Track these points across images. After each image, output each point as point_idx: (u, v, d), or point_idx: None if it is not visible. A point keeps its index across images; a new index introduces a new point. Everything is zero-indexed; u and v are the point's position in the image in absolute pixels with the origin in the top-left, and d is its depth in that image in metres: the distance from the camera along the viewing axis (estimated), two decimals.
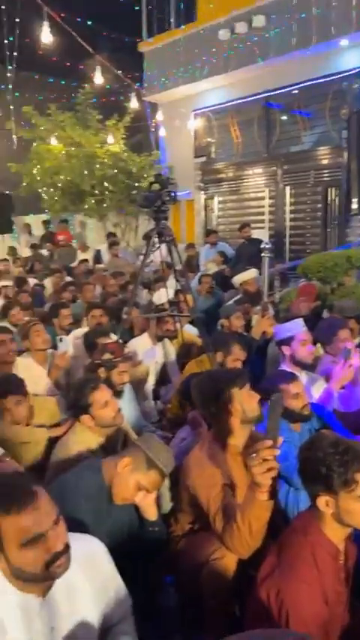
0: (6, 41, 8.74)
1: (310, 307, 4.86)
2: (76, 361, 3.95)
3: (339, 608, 1.58)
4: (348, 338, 3.42)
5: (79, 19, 8.72)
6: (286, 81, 9.20)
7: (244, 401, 2.13)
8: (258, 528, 1.73)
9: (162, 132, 11.26)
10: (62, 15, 7.22)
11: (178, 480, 2.21)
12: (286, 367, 3.18)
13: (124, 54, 11.40)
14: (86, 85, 10.83)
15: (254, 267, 5.74)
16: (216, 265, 7.95)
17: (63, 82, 12.55)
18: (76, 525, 1.76)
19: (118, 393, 2.92)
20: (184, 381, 3.26)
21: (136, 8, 10.85)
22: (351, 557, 1.70)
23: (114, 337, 3.76)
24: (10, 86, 9.50)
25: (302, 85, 9.08)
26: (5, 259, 9.70)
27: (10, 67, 9.03)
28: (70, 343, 4.17)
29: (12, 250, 11.13)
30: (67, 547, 1.34)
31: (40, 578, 1.32)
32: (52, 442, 2.62)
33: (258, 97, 9.76)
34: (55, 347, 4.03)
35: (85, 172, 10.49)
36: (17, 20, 8.31)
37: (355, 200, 8.42)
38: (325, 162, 9.18)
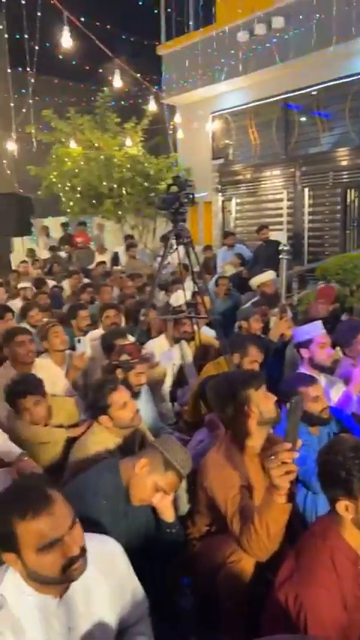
0: (26, 46, 8.84)
1: (328, 310, 4.82)
2: (93, 362, 3.97)
3: (358, 614, 1.56)
4: None
5: (98, 23, 8.79)
6: (305, 82, 9.14)
7: (261, 402, 2.12)
8: (276, 531, 1.72)
9: (180, 134, 11.28)
10: (82, 19, 7.29)
11: (195, 481, 2.21)
12: (304, 370, 3.15)
13: (143, 57, 11.46)
14: (105, 89, 10.91)
15: (272, 269, 5.71)
16: (233, 267, 7.93)
17: (82, 86, 12.68)
18: (93, 525, 1.77)
19: (135, 395, 2.93)
20: (201, 383, 3.25)
21: (155, 11, 10.91)
22: None
23: (131, 339, 3.77)
24: (31, 90, 9.61)
25: (321, 85, 9.03)
26: (24, 261, 9.82)
27: (30, 72, 9.13)
28: (87, 344, 4.19)
29: (31, 252, 11.26)
30: (83, 550, 1.34)
31: (57, 581, 1.32)
32: (70, 442, 2.63)
33: (277, 98, 9.72)
34: (73, 348, 4.06)
35: (104, 175, 10.56)
36: (37, 25, 8.40)
37: None
38: (344, 163, 9.09)
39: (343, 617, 1.48)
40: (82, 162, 10.91)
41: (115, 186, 10.69)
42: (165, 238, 3.94)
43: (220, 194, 11.27)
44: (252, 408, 2.08)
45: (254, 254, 8.12)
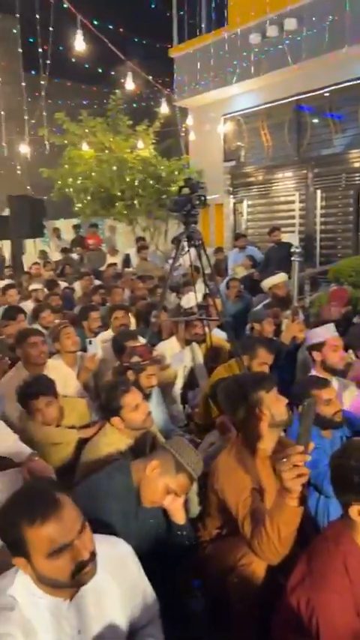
0: (40, 50, 8.93)
1: (341, 312, 4.79)
2: (105, 364, 3.98)
3: None
4: None
5: (111, 27, 8.85)
6: (318, 84, 9.11)
7: (272, 404, 2.11)
8: (287, 534, 1.71)
9: (192, 136, 11.30)
10: (95, 23, 7.33)
11: (206, 484, 2.20)
12: (316, 373, 3.14)
13: (155, 60, 11.50)
14: (117, 91, 10.97)
15: (284, 272, 5.68)
16: (244, 269, 7.92)
17: (95, 89, 12.75)
18: (104, 526, 1.77)
19: (145, 396, 2.92)
20: (212, 385, 3.25)
21: (167, 14, 10.95)
22: None
23: (142, 340, 3.78)
24: (43, 93, 9.69)
25: (334, 87, 8.99)
26: (36, 263, 9.88)
27: (43, 75, 9.22)
28: (98, 346, 4.21)
29: (43, 254, 11.33)
30: (93, 555, 1.33)
31: (68, 585, 1.31)
32: (81, 443, 2.64)
33: (289, 100, 9.69)
34: (84, 349, 4.07)
35: (115, 177, 10.61)
36: (51, 29, 8.47)
37: None
38: (356, 165, 9.03)
39: (356, 623, 1.46)
40: (94, 165, 10.97)
41: (126, 188, 10.73)
42: (176, 240, 3.94)
43: (231, 196, 11.26)
44: (263, 411, 2.07)
45: (266, 256, 8.10)
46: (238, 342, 3.66)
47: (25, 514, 1.28)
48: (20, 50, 13.92)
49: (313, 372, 3.18)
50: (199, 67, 10.38)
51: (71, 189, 11.43)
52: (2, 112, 10.81)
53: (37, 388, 2.70)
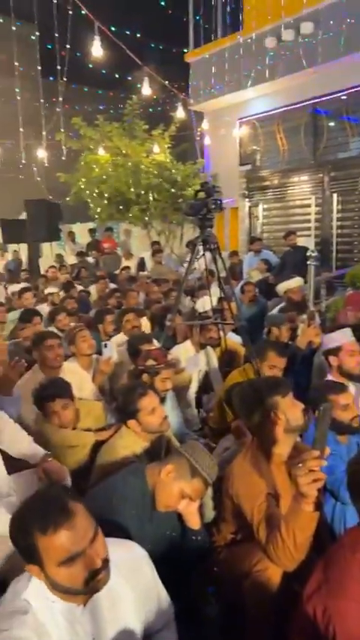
0: (57, 56, 9.05)
1: (357, 317, 4.73)
2: (120, 367, 3.99)
3: None
4: None
5: (127, 32, 8.92)
6: (334, 87, 9.06)
7: (288, 409, 2.09)
8: (302, 540, 1.69)
9: (207, 140, 11.32)
10: (112, 29, 7.41)
11: (220, 488, 2.19)
12: (332, 378, 3.11)
13: (171, 65, 11.57)
14: (134, 96, 11.04)
15: (300, 276, 5.65)
16: (259, 273, 7.89)
17: (111, 94, 12.85)
18: (119, 530, 1.77)
19: (160, 400, 2.92)
20: (227, 389, 3.24)
21: (184, 19, 11.00)
22: None
23: (156, 344, 3.78)
24: (61, 99, 9.81)
25: (350, 90, 8.93)
26: (53, 266, 9.98)
27: (61, 81, 9.34)
28: (113, 349, 4.22)
29: (59, 258, 11.43)
30: (106, 562, 1.32)
31: (81, 592, 1.31)
32: (96, 446, 2.64)
33: (305, 103, 9.66)
34: (99, 352, 4.09)
35: (131, 181, 10.67)
36: (68, 35, 8.58)
37: None
38: None
39: None
40: (110, 169, 11.05)
41: (142, 192, 10.79)
42: (192, 244, 3.94)
43: (247, 200, 11.25)
44: (279, 415, 2.06)
45: (281, 260, 8.06)
46: (253, 346, 3.65)
47: (38, 522, 1.27)
48: (38, 56, 14.11)
49: (330, 377, 3.16)
50: (214, 71, 10.41)
51: (87, 194, 11.52)
52: (20, 118, 10.96)
53: (54, 391, 2.72)
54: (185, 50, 11.43)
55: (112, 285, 7.74)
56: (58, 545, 1.26)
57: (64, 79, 9.27)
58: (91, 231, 12.67)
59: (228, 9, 10.70)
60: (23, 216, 11.57)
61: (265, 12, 9.14)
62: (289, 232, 8.16)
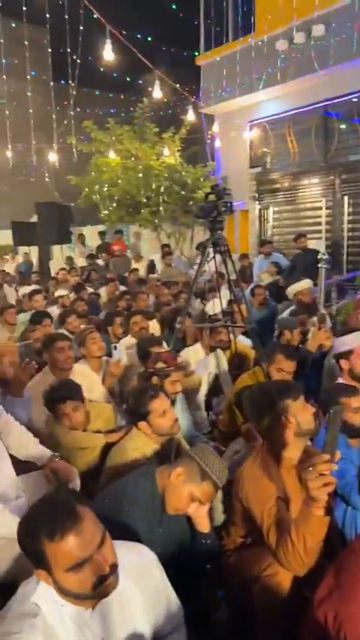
0: (69, 59, 9.11)
1: None
2: (130, 370, 4.00)
3: None
4: None
5: (139, 36, 8.97)
6: (346, 89, 9.04)
7: (299, 413, 2.08)
8: (313, 545, 1.68)
9: (217, 143, 11.33)
10: (123, 32, 7.44)
11: (230, 492, 2.18)
12: (343, 382, 3.09)
13: (182, 68, 11.61)
14: (144, 99, 11.09)
15: (310, 278, 5.62)
16: (270, 276, 7.86)
17: (122, 97, 12.91)
18: (128, 532, 1.77)
19: (170, 403, 2.92)
20: (237, 392, 3.23)
21: (195, 23, 11.04)
22: None
23: (165, 347, 3.78)
24: (72, 102, 9.88)
25: None
26: (63, 268, 10.03)
27: (72, 84, 9.40)
28: (123, 351, 4.23)
29: (69, 260, 11.49)
30: (114, 567, 1.32)
31: (89, 597, 1.31)
32: (106, 448, 2.65)
33: (316, 106, 9.64)
34: (109, 354, 4.10)
35: (141, 184, 10.71)
36: (80, 39, 8.63)
37: None
38: None
39: None
40: (120, 172, 11.10)
41: (152, 195, 10.81)
42: (202, 246, 3.94)
43: (257, 202, 11.24)
44: (289, 419, 2.05)
45: (292, 263, 8.03)
46: (263, 349, 3.64)
47: (45, 528, 1.27)
48: (50, 60, 14.22)
49: (340, 381, 3.14)
50: (225, 74, 10.42)
51: (98, 196, 11.57)
52: (32, 121, 11.04)
53: (65, 393, 2.72)
54: (196, 53, 11.47)
55: (122, 288, 7.76)
56: (66, 551, 1.25)
57: (76, 83, 9.32)
58: (101, 233, 12.72)
59: (239, 12, 10.71)
60: (34, 218, 11.66)
61: (277, 14, 9.13)
62: (299, 235, 8.12)
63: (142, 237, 12.77)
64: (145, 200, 10.87)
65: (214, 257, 3.98)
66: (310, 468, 1.53)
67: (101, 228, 12.96)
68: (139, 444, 2.43)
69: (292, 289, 5.70)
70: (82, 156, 11.53)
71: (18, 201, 16.73)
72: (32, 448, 2.42)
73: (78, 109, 10.87)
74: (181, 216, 11.24)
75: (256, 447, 2.46)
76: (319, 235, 9.24)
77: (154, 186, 10.74)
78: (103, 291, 7.83)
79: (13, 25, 11.77)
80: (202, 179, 11.06)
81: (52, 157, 11.51)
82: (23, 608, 1.31)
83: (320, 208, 9.90)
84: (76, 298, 6.78)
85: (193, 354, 4.28)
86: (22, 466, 2.38)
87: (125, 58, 7.75)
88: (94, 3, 7.13)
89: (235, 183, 10.84)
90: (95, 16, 6.89)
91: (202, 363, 4.16)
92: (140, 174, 10.73)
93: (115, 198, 11.26)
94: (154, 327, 5.13)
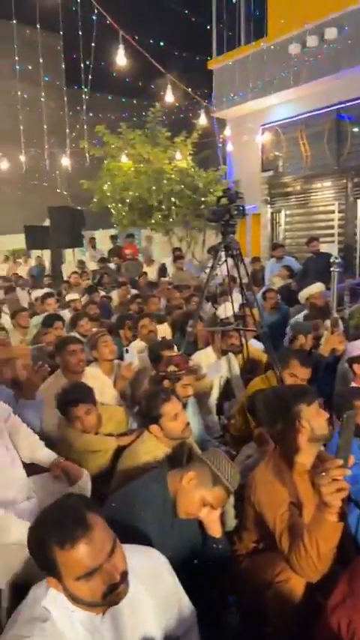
0: (82, 65, 9.19)
1: None
2: (140, 373, 4.00)
3: None
4: None
5: (151, 41, 9.02)
6: (359, 92, 9.00)
7: (313, 418, 2.06)
8: (326, 551, 1.66)
9: (229, 147, 11.34)
10: (136, 37, 7.48)
11: (242, 497, 2.17)
12: (357, 386, 3.06)
13: (194, 72, 11.65)
14: (156, 104, 11.14)
15: (322, 282, 5.59)
16: (281, 280, 7.83)
17: (134, 102, 12.99)
18: (139, 535, 1.77)
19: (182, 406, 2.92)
20: (249, 396, 3.21)
21: (207, 27, 11.08)
22: None
23: (177, 350, 3.78)
24: (85, 107, 9.96)
25: None
26: (75, 272, 10.09)
27: (85, 90, 9.48)
28: (134, 354, 4.24)
29: (81, 264, 11.56)
30: (124, 575, 1.31)
31: (99, 605, 1.30)
32: (118, 451, 2.65)
33: (329, 109, 9.61)
34: (121, 357, 4.11)
35: (153, 188, 10.74)
36: (93, 45, 8.71)
37: None
38: None
39: None
40: (132, 176, 11.14)
41: (163, 199, 10.84)
42: (214, 250, 3.94)
43: (269, 206, 11.22)
44: (303, 424, 2.03)
45: (304, 266, 7.99)
46: (276, 353, 3.62)
47: (56, 536, 1.26)
48: (63, 66, 14.36)
49: (354, 385, 3.11)
50: (237, 78, 10.45)
51: (110, 200, 11.63)
52: (45, 126, 11.15)
53: (77, 395, 2.73)
54: (208, 58, 11.50)
55: (134, 291, 7.79)
56: (77, 559, 1.25)
57: (88, 88, 9.40)
58: (113, 237, 12.78)
59: (252, 16, 10.74)
60: (47, 222, 11.76)
61: (290, 18, 9.14)
62: (311, 238, 8.08)
63: (153, 241, 12.81)
64: (156, 204, 10.90)
65: (225, 260, 3.98)
66: (323, 474, 1.52)
67: (113, 232, 13.02)
68: (151, 448, 2.42)
69: (304, 293, 5.68)
70: (95, 160, 11.60)
71: (31, 205, 16.89)
72: (38, 451, 2.43)
73: (90, 114, 10.95)
74: (192, 220, 11.25)
75: (268, 452, 2.44)
76: (332, 239, 9.18)
77: (165, 190, 10.77)
78: (114, 295, 7.86)
79: (28, 31, 11.93)
80: (213, 183, 11.06)
81: (65, 161, 11.61)
82: (33, 612, 1.31)
83: (333, 212, 9.82)
84: (88, 301, 6.82)
85: (205, 357, 4.27)
86: (31, 467, 2.39)
87: (137, 63, 7.79)
88: (107, 9, 7.18)
89: (247, 186, 10.83)
90: (108, 21, 6.94)
91: (214, 366, 4.15)
92: (152, 179, 10.77)
93: (127, 202, 11.31)
94: (165, 330, 5.14)
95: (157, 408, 2.44)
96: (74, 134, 11.55)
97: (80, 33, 8.83)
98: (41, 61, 11.24)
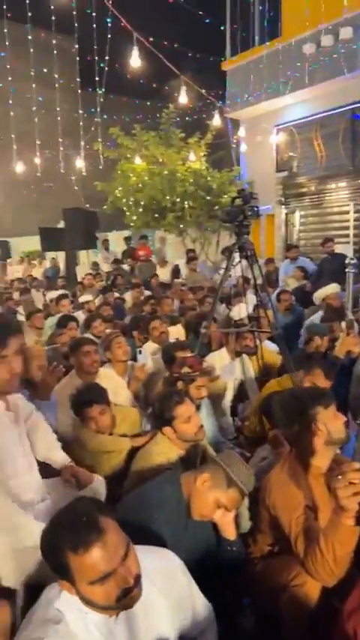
0: (96, 67, 9.25)
1: None
2: (154, 375, 3.99)
3: None
4: None
5: (165, 43, 9.03)
6: None
7: (330, 421, 2.04)
8: (342, 555, 1.64)
9: (243, 148, 11.30)
10: (150, 39, 7.50)
11: (257, 499, 2.16)
12: None
13: (208, 73, 11.65)
14: (170, 105, 11.15)
15: (337, 283, 5.54)
16: (296, 281, 7.78)
17: (148, 103, 13.02)
18: (153, 537, 1.76)
19: (195, 408, 2.91)
20: (265, 398, 3.19)
21: (221, 28, 11.06)
22: None
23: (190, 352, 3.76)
24: (99, 109, 10.02)
25: None
26: (89, 273, 10.14)
27: (99, 92, 9.53)
28: (147, 355, 4.24)
29: (95, 265, 11.61)
30: (138, 578, 1.30)
31: (113, 608, 1.30)
32: (131, 452, 2.65)
33: (344, 109, 9.54)
34: (134, 359, 4.11)
35: (167, 189, 10.75)
36: (107, 47, 8.75)
37: None
38: None
39: None
40: (146, 177, 11.17)
41: (177, 200, 10.84)
42: (228, 251, 3.92)
43: (283, 207, 11.16)
44: (319, 427, 2.01)
45: (319, 267, 7.93)
46: (293, 355, 3.59)
47: (68, 540, 1.25)
48: (78, 68, 14.46)
49: None
50: (251, 78, 10.42)
51: (124, 202, 11.67)
52: (60, 128, 11.23)
53: (91, 396, 2.74)
54: (222, 58, 11.49)
55: (147, 293, 7.80)
56: (90, 564, 1.24)
57: (103, 90, 9.44)
58: (127, 239, 12.81)
59: (266, 16, 10.71)
60: (61, 224, 11.85)
61: (304, 18, 9.08)
62: (326, 239, 8.02)
63: (167, 242, 12.81)
64: (170, 205, 10.90)
65: (240, 262, 3.96)
66: (340, 477, 1.50)
67: (127, 233, 13.06)
68: (164, 449, 2.42)
69: (319, 294, 5.63)
70: (109, 162, 11.66)
71: (46, 207, 17.02)
72: (54, 451, 2.42)
73: (105, 116, 11.01)
74: (206, 221, 11.23)
75: (283, 454, 2.42)
76: (347, 240, 9.10)
77: (179, 192, 10.77)
78: (128, 296, 7.88)
79: (42, 34, 12.03)
80: (227, 184, 11.04)
81: (79, 163, 11.67)
82: (47, 613, 1.31)
83: (347, 212, 9.73)
84: (102, 303, 6.84)
85: (219, 359, 4.25)
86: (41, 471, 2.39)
87: (151, 65, 7.81)
88: (121, 11, 7.22)
89: (261, 187, 10.78)
90: (122, 23, 6.97)
91: (228, 368, 4.13)
92: (166, 180, 10.78)
93: (141, 203, 11.33)
94: (179, 331, 5.13)
95: (170, 410, 2.43)
96: (88, 136, 11.61)
97: (94, 35, 8.88)
98: (56, 63, 11.33)
